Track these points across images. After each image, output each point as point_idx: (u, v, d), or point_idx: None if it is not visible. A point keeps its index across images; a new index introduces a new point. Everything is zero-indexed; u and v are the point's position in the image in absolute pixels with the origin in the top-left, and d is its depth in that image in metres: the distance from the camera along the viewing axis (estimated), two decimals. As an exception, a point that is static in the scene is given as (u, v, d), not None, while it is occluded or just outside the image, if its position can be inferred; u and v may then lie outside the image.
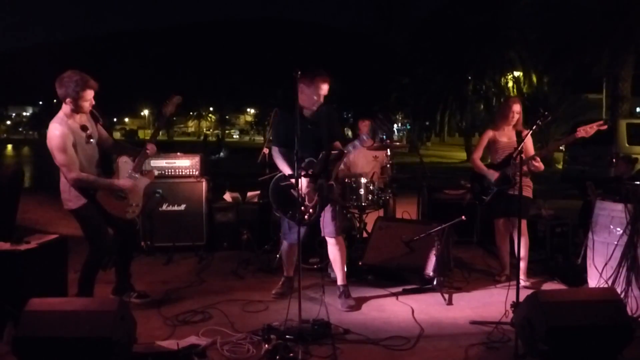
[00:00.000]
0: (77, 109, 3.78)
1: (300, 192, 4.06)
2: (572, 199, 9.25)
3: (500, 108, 5.08)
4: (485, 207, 4.93)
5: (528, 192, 4.75)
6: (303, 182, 4.10)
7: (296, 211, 4.03)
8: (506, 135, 4.82)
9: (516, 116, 4.76)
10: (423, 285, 4.60)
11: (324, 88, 4.12)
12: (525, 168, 4.62)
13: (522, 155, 4.24)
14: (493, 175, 4.75)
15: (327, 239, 4.31)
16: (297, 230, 3.89)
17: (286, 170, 4.17)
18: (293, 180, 4.05)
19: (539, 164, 4.57)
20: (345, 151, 4.18)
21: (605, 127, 4.44)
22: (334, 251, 4.31)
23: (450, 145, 41.09)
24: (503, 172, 4.70)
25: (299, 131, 3.58)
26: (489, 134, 4.91)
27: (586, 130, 4.37)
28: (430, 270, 4.59)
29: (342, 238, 4.36)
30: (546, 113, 4.28)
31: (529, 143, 4.74)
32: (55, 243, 4.02)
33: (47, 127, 3.82)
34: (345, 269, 4.38)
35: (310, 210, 4.14)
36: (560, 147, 14.45)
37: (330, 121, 4.26)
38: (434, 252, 4.59)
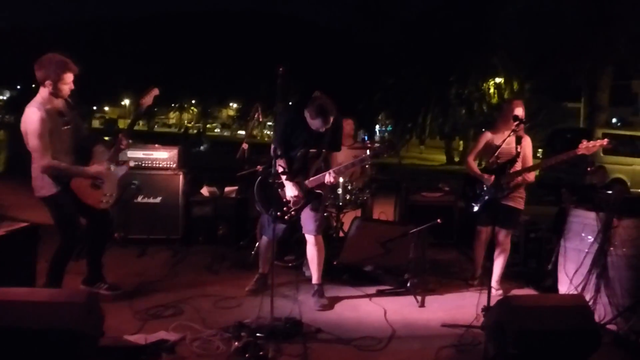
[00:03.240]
0: (56, 92, 3.71)
1: (287, 194, 4.10)
2: (547, 205, 9.39)
3: (502, 109, 4.81)
4: (474, 214, 4.76)
5: (520, 204, 4.63)
6: (294, 188, 4.11)
7: (277, 211, 4.02)
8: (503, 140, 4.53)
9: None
10: (397, 287, 4.61)
11: (329, 122, 4.07)
12: (520, 178, 4.57)
13: (519, 162, 4.20)
14: (488, 179, 4.55)
15: (307, 236, 4.30)
16: (273, 227, 3.88)
17: (280, 169, 4.13)
18: (284, 180, 4.07)
19: (530, 176, 4.51)
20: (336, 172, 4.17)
21: (610, 146, 4.36)
22: (312, 250, 4.29)
23: (429, 148, 41.29)
24: (497, 180, 4.47)
25: (278, 131, 3.58)
26: (487, 136, 4.72)
27: (588, 148, 4.22)
28: (404, 271, 4.60)
29: (321, 237, 4.34)
30: (523, 120, 4.27)
31: (528, 152, 4.61)
32: (25, 231, 3.93)
33: (23, 111, 3.73)
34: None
35: (292, 212, 4.14)
36: (538, 154, 14.64)
37: (334, 132, 4.23)
38: (409, 253, 4.60)
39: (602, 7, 16.18)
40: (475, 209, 4.69)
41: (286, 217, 4.15)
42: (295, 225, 4.38)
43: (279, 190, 4.13)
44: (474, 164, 4.76)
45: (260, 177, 4.28)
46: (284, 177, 4.03)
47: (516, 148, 4.40)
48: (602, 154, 11.36)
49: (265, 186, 4.21)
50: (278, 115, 4.11)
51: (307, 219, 4.25)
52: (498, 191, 4.42)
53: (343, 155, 5.91)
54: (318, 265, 4.31)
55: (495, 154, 4.14)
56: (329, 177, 4.09)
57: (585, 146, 4.22)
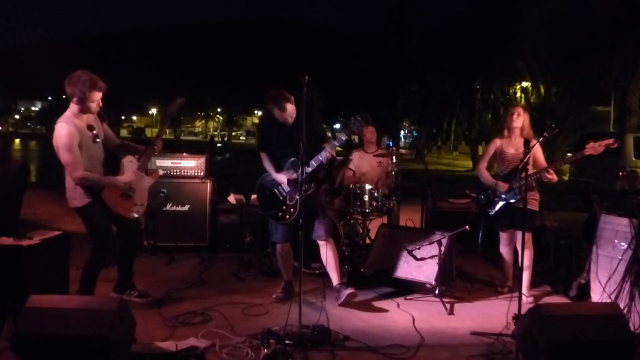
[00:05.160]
0: (83, 109, 3.80)
1: (283, 191, 4.20)
2: (577, 211, 9.20)
3: (505, 117, 5.02)
4: (491, 219, 4.86)
5: (534, 205, 4.68)
6: (283, 182, 4.22)
7: (278, 210, 4.08)
8: (513, 146, 4.74)
9: (516, 119, 4.68)
10: (424, 294, 4.58)
11: (289, 109, 4.17)
12: (532, 181, 4.57)
13: (529, 167, 4.20)
14: (502, 186, 4.66)
15: (318, 242, 4.35)
16: (282, 229, 3.91)
17: (273, 173, 4.30)
18: (278, 179, 4.22)
19: (552, 176, 4.50)
20: (328, 151, 4.12)
21: (615, 145, 4.33)
22: (325, 253, 4.34)
23: (462, 154, 40.93)
24: (510, 184, 4.63)
25: (304, 138, 3.62)
26: (496, 143, 4.84)
27: (595, 148, 4.27)
28: (432, 279, 4.56)
29: (332, 240, 4.40)
30: (553, 125, 4.24)
31: (539, 155, 4.66)
32: (58, 239, 4.03)
33: (55, 122, 3.83)
34: (346, 273, 4.40)
35: (292, 209, 4.21)
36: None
37: (312, 123, 4.17)
38: (436, 261, 4.57)
39: (631, 9, 15.88)
40: (491, 214, 4.77)
41: (287, 216, 4.22)
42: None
43: (275, 190, 4.25)
44: (486, 172, 4.85)
45: (258, 181, 4.42)
46: (273, 173, 4.23)
47: (524, 152, 4.50)
48: (633, 158, 11.08)
49: (263, 188, 4.36)
50: (260, 123, 4.22)
51: (316, 226, 4.31)
52: (511, 195, 4.58)
53: (368, 163, 5.93)
54: (335, 266, 4.37)
55: (525, 160, 4.12)
56: (324, 154, 4.05)
57: (592, 146, 4.29)
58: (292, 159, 4.21)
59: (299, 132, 3.99)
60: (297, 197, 4.12)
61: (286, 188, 4.24)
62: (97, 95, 3.82)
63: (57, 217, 7.43)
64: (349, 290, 4.26)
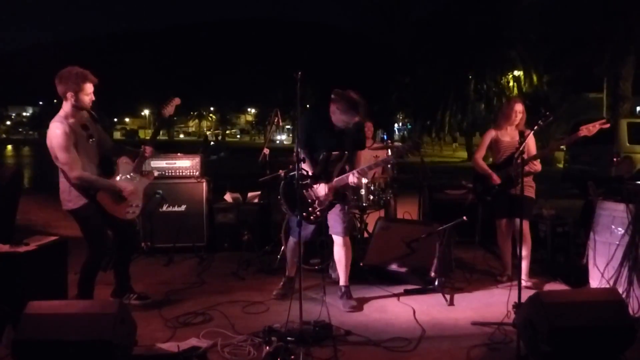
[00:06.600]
0: (78, 103, 3.77)
1: (314, 195, 4.12)
2: (573, 198, 9.23)
3: (502, 108, 5.06)
4: (488, 207, 4.91)
5: (531, 193, 4.73)
6: (321, 188, 4.12)
7: (303, 211, 4.05)
8: (509, 135, 4.81)
9: (519, 116, 4.76)
10: (424, 286, 4.59)
11: (357, 118, 4.08)
12: (527, 168, 4.61)
13: (524, 155, 4.22)
14: (495, 180, 4.72)
15: (335, 237, 4.31)
16: (299, 229, 3.90)
17: (306, 170, 4.16)
18: (311, 182, 4.11)
19: (537, 166, 4.63)
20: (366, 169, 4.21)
21: (607, 125, 4.42)
22: (340, 251, 4.30)
23: (461, 145, 40.77)
24: (506, 172, 4.68)
25: (301, 135, 3.60)
26: (492, 133, 4.89)
27: (589, 129, 4.37)
28: (431, 270, 4.57)
29: (349, 239, 4.35)
30: (547, 113, 4.26)
31: (531, 143, 4.72)
32: (55, 245, 4.01)
33: (47, 127, 3.80)
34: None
35: (318, 212, 4.16)
36: (562, 147, 14.45)
37: (358, 131, 4.24)
38: (435, 252, 4.57)
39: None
40: (489, 198, 4.83)
41: (312, 217, 4.17)
42: (321, 228, 4.39)
43: (304, 191, 4.16)
44: (482, 162, 4.91)
45: (285, 180, 4.32)
46: (308, 180, 4.03)
47: (519, 141, 4.61)
48: (627, 144, 11.11)
49: (290, 188, 4.23)
50: (299, 118, 4.09)
51: (335, 221, 4.26)
52: (507, 182, 4.66)
53: (364, 157, 5.92)
54: (346, 266, 4.32)
55: (520, 149, 4.15)
56: (352, 178, 4.09)
57: (586, 127, 4.38)
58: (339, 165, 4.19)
59: (345, 138, 4.10)
60: (327, 204, 4.13)
61: (319, 192, 4.14)
62: (90, 87, 3.80)
63: (53, 222, 7.41)
64: (352, 302, 4.24)
